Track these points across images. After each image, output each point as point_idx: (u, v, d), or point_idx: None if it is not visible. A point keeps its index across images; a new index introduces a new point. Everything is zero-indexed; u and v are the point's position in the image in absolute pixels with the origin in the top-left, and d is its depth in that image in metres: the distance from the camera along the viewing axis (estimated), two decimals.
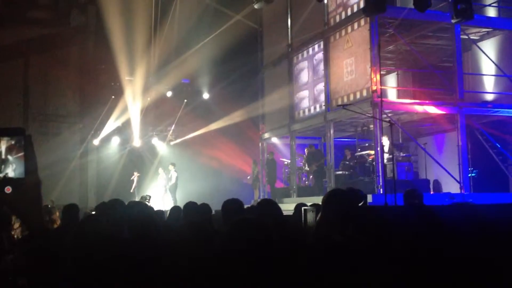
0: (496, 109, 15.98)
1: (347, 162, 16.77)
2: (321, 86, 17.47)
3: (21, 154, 1.90)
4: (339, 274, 2.42)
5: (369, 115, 14.30)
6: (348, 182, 15.65)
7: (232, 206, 4.80)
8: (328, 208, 3.53)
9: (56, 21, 22.17)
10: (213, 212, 5.59)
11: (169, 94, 23.17)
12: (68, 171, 21.22)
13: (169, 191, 19.90)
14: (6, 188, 1.86)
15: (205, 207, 5.24)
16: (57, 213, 7.50)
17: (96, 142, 22.42)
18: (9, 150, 1.85)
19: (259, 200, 19.06)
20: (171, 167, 20.06)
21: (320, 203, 3.82)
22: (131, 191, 20.12)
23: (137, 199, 17.65)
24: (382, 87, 15.44)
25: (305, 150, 18.92)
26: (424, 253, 2.73)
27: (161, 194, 20.02)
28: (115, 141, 22.71)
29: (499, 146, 15.78)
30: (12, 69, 21.68)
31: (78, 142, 22.47)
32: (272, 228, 2.70)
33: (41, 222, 2.01)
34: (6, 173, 1.88)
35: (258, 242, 2.53)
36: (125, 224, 3.98)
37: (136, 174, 20.72)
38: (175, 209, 6.03)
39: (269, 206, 4.67)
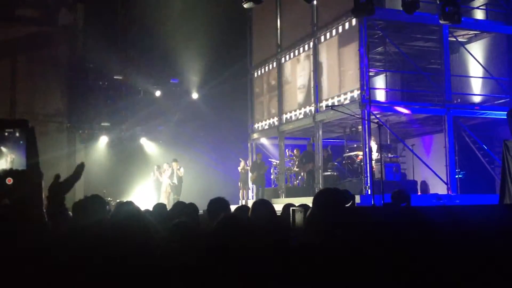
0: (483, 111, 16.11)
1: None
2: (310, 86, 17.51)
3: (21, 145, 1.88)
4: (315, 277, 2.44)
5: (357, 116, 14.35)
6: (336, 183, 15.70)
7: (217, 205, 4.81)
8: (317, 207, 3.55)
9: (44, 19, 22.01)
10: (201, 211, 5.57)
11: (157, 93, 23.09)
12: (55, 171, 21.01)
13: (176, 188, 19.06)
14: (7, 179, 1.84)
15: (192, 206, 5.23)
16: None
17: (83, 141, 22.25)
18: (4, 141, 1.83)
19: (246, 200, 19.07)
20: (175, 164, 19.37)
21: (308, 204, 3.83)
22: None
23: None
24: (371, 88, 15.51)
25: (294, 151, 18.95)
26: (409, 254, 2.75)
27: (167, 192, 19.09)
28: (103, 140, 22.58)
29: (486, 147, 15.91)
30: None
31: (65, 141, 22.31)
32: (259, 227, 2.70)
33: (42, 215, 1.99)
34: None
35: (240, 240, 2.53)
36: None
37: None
38: (159, 206, 5.98)
39: (263, 206, 4.64)
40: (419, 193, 15.84)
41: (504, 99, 16.31)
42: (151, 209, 6.18)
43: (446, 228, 3.22)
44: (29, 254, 2.85)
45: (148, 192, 20.20)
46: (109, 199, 15.78)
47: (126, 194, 19.51)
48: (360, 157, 15.46)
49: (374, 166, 14.78)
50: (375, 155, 15.05)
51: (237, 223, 2.79)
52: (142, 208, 5.97)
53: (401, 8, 14.22)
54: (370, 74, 16.14)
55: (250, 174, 19.40)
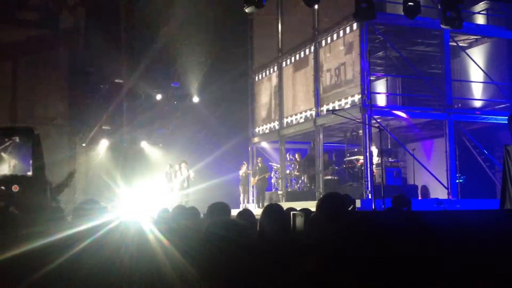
0: (484, 116, 16.10)
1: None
2: (310, 90, 17.51)
3: (24, 151, 1.88)
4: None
5: (358, 120, 14.35)
6: (336, 188, 15.69)
7: (217, 209, 4.81)
8: (322, 210, 3.54)
9: (45, 22, 22.03)
10: (202, 215, 5.57)
11: (158, 97, 23.10)
12: (55, 175, 21.01)
13: (185, 190, 18.90)
14: (13, 186, 1.84)
15: (193, 210, 5.22)
16: None
17: (84, 145, 22.26)
18: (7, 147, 1.83)
19: (245, 205, 19.06)
20: (184, 165, 19.27)
21: (309, 208, 3.82)
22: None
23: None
24: (371, 92, 15.52)
25: (296, 155, 18.93)
26: (409, 258, 2.74)
27: (179, 193, 18.83)
28: (104, 144, 22.59)
29: (486, 152, 15.90)
30: (0, 71, 21.51)
31: (66, 144, 22.30)
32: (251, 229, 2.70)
33: (46, 219, 1.98)
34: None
35: (234, 242, 2.54)
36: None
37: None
38: (164, 211, 5.98)
39: (274, 211, 4.59)
40: (419, 198, 15.82)
41: (504, 104, 16.31)
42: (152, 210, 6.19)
43: (447, 233, 3.21)
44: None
45: (149, 195, 20.11)
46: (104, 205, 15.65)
47: (125, 197, 19.47)
48: (361, 161, 15.45)
49: (375, 171, 14.77)
50: (375, 160, 15.04)
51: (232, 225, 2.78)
52: (147, 213, 5.98)
53: (402, 13, 14.23)
54: (371, 78, 16.14)
55: (251, 178, 19.38)
